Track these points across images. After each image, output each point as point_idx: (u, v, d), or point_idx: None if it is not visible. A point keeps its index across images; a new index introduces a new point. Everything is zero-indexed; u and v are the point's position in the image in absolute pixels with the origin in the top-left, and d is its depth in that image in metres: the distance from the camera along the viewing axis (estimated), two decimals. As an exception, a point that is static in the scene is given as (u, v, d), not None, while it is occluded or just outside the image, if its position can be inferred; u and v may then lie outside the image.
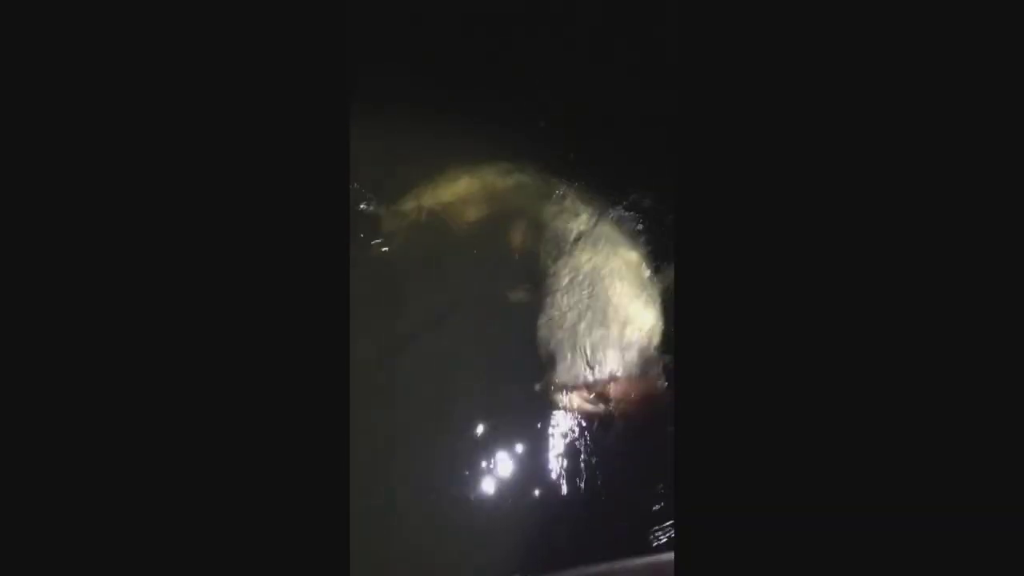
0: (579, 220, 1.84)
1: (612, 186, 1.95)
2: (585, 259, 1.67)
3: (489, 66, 2.25)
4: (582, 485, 1.49)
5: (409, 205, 2.02)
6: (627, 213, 1.88)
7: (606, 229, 1.79)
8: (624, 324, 1.48)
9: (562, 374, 1.45)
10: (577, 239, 1.76)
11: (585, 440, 1.51)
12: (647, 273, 1.68)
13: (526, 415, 1.57)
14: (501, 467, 1.54)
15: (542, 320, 1.58)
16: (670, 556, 1.04)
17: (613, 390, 1.42)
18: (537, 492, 1.51)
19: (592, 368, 1.43)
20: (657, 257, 1.76)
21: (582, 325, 1.49)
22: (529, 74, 2.20)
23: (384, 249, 1.93)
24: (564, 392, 1.45)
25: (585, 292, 1.57)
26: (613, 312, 1.50)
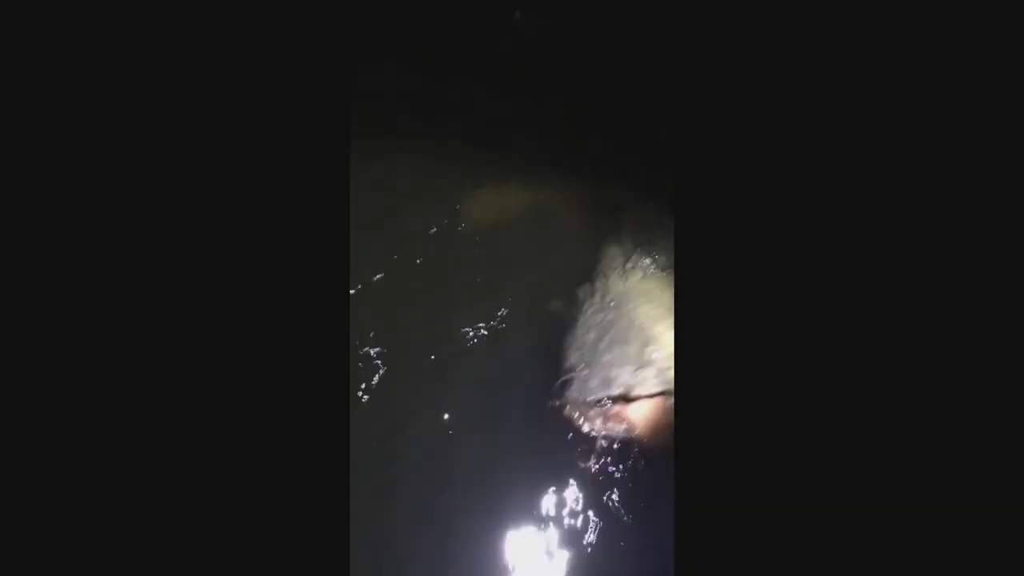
0: (612, 238, 1.83)
1: (647, 206, 1.93)
2: (618, 277, 1.66)
3: (489, 66, 2.23)
4: (591, 516, 1.45)
5: (432, 216, 2.01)
6: (662, 236, 1.85)
7: (642, 248, 1.78)
8: (645, 343, 1.46)
9: (577, 389, 1.43)
10: (612, 258, 1.75)
11: (599, 460, 1.49)
12: (657, 289, 1.66)
13: (538, 430, 1.56)
14: (505, 486, 1.52)
15: (566, 336, 1.57)
16: None
17: (628, 408, 1.40)
18: (539, 520, 1.49)
19: (607, 384, 1.40)
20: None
21: (603, 343, 1.48)
22: (529, 74, 2.19)
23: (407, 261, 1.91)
24: (578, 407, 1.43)
25: (611, 310, 1.55)
26: (636, 331, 1.48)
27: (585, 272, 1.73)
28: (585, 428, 1.42)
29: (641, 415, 1.38)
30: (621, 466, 1.44)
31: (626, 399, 1.39)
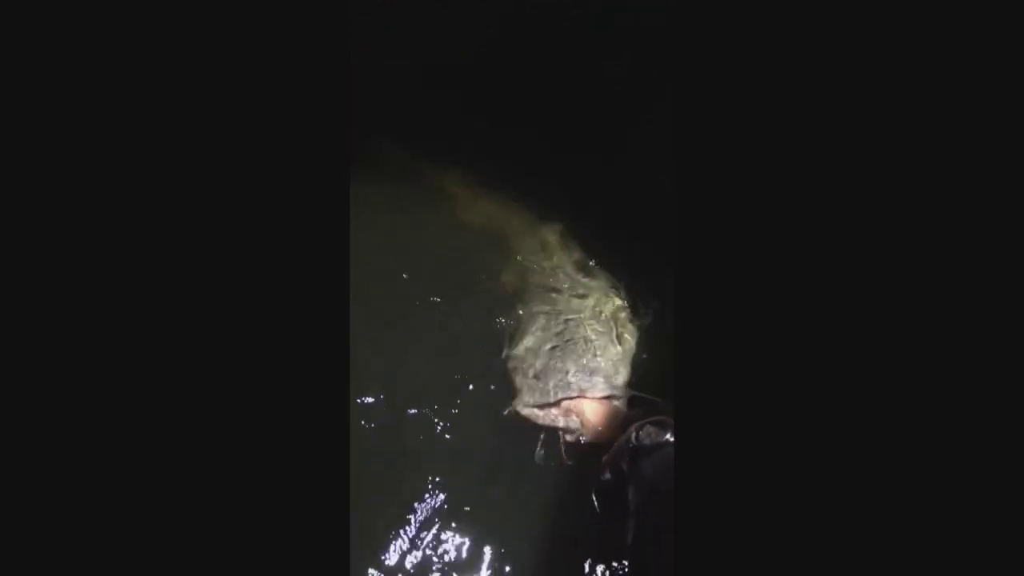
0: (563, 256, 1.94)
1: (603, 227, 2.00)
2: (568, 295, 1.81)
3: (480, 93, 2.23)
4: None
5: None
6: (615, 255, 1.94)
7: (590, 265, 1.92)
8: (594, 354, 1.65)
9: (536, 394, 1.59)
10: (562, 273, 1.88)
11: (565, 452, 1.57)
12: (623, 313, 1.80)
13: (501, 431, 1.62)
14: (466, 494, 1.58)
15: (516, 344, 1.71)
16: None
17: (582, 404, 1.56)
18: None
19: (566, 387, 1.57)
20: (637, 300, 1.83)
21: (558, 352, 1.65)
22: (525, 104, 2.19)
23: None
24: (535, 410, 1.58)
25: (561, 324, 1.72)
26: (583, 343, 1.66)
27: (538, 288, 1.84)
28: (546, 423, 1.57)
29: (592, 412, 1.55)
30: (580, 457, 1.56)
31: (581, 399, 1.57)
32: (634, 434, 1.27)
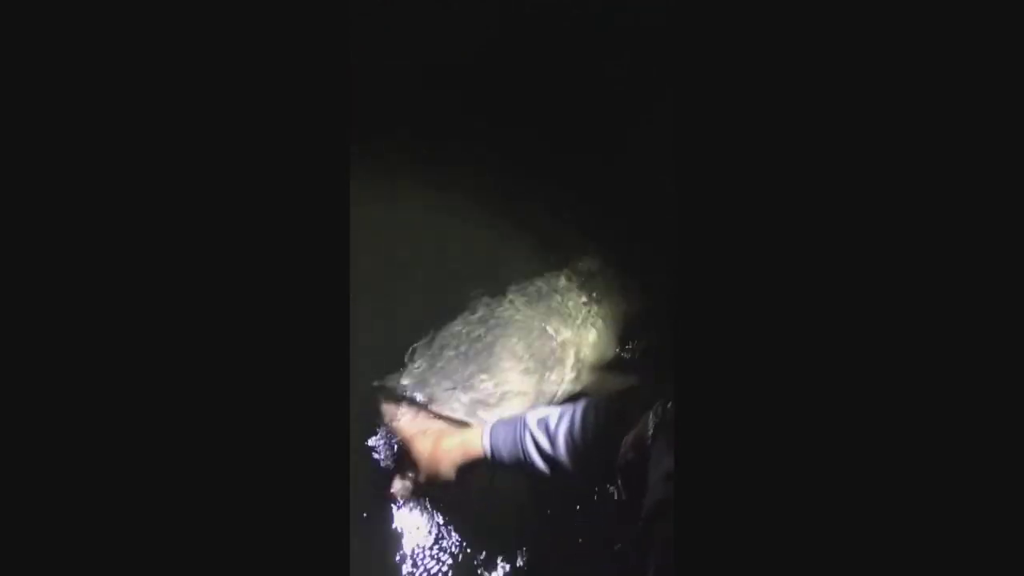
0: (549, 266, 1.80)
1: (603, 227, 1.94)
2: (508, 306, 1.57)
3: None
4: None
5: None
6: (614, 256, 1.86)
7: (543, 295, 1.67)
8: (482, 370, 1.37)
9: (393, 386, 1.36)
10: (535, 285, 1.68)
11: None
12: (557, 343, 1.52)
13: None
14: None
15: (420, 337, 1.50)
16: None
17: (425, 415, 1.32)
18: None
19: (417, 388, 1.34)
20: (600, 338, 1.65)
21: (448, 351, 1.40)
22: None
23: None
24: (388, 403, 1.35)
25: (480, 327, 1.46)
26: (483, 357, 1.39)
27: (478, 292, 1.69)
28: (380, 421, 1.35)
29: (435, 426, 1.28)
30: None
31: (426, 408, 1.31)
32: (659, 408, 1.25)
